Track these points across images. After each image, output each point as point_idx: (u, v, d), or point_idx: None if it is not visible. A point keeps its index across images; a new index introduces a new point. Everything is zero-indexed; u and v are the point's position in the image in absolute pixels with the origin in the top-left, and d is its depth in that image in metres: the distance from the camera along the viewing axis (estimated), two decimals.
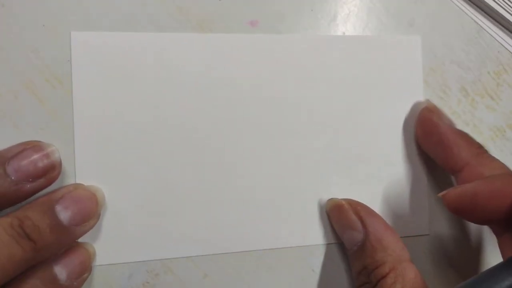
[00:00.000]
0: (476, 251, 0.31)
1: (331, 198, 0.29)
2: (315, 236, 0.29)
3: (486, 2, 0.31)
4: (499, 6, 0.32)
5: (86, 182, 0.26)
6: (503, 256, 0.25)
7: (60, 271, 0.24)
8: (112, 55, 0.26)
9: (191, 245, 0.28)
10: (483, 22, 0.32)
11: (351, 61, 0.29)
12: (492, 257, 0.31)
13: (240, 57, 0.28)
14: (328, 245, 0.29)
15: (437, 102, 0.32)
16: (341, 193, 0.30)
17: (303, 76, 0.29)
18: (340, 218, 0.27)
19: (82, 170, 0.26)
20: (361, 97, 0.30)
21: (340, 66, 0.29)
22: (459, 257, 0.31)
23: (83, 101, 0.26)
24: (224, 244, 0.28)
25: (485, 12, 0.32)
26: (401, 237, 0.26)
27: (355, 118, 0.30)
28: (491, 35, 0.32)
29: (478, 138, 0.30)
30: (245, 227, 0.28)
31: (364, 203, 0.28)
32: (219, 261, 0.28)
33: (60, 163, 0.25)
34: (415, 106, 0.29)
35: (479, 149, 0.27)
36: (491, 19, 0.32)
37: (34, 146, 0.24)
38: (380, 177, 0.30)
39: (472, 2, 0.32)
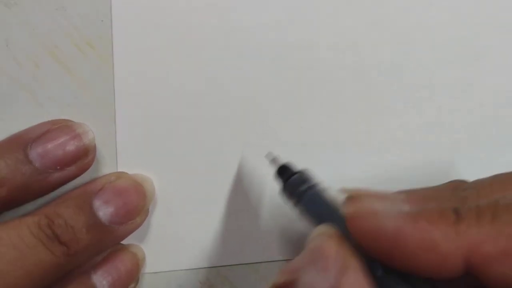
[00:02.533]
0: None
1: None
2: None
3: None
4: None
5: (131, 171, 0.25)
6: None
7: (100, 280, 0.23)
8: (163, 13, 0.25)
9: (255, 250, 0.27)
10: None
11: None
12: None
13: (322, 18, 0.26)
14: None
15: None
16: None
17: (403, 38, 0.27)
18: None
19: (125, 155, 0.25)
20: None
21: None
22: None
23: (126, 70, 0.25)
24: (296, 251, 0.27)
25: None
26: None
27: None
28: None
29: None
30: None
31: None
32: None
33: (94, 147, 0.24)
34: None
35: (457, 215, 0.18)
36: None
37: (62, 125, 0.23)
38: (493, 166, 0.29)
39: None
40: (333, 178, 0.27)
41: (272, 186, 0.27)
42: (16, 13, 0.24)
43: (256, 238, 0.27)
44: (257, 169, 0.27)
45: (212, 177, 0.26)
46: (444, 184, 0.21)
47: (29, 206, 0.24)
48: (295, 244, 0.28)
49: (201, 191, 0.26)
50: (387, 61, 0.27)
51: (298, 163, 0.27)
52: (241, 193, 0.27)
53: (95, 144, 0.24)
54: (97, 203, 0.23)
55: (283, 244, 0.28)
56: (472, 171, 0.29)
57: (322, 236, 0.19)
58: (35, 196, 0.23)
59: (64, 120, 0.24)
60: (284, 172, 0.23)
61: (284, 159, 0.25)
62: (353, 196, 0.19)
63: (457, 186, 0.19)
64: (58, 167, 0.22)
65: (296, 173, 0.23)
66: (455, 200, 0.18)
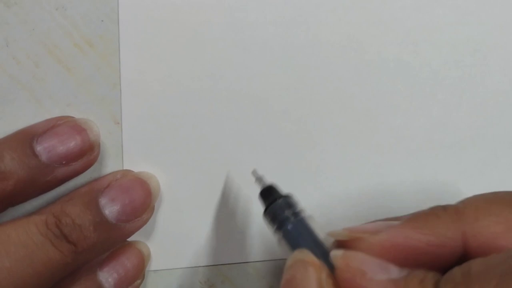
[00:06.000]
0: None
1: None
2: None
3: None
4: None
5: (136, 168, 0.25)
6: None
7: (106, 277, 0.23)
8: (169, 11, 0.25)
9: (256, 250, 0.28)
10: None
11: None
12: None
13: (327, 17, 0.26)
14: None
15: None
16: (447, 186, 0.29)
17: (409, 37, 0.27)
18: None
19: (130, 153, 0.25)
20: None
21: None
22: None
23: (132, 68, 0.25)
24: None
25: None
26: None
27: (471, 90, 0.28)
28: None
29: None
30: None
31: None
32: None
33: (99, 143, 0.24)
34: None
35: None
36: None
37: (68, 121, 0.23)
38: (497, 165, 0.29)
39: None
40: (337, 178, 0.28)
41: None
42: (16, 13, 0.24)
43: (258, 237, 0.27)
44: (260, 166, 0.27)
45: (216, 175, 0.26)
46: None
47: (34, 202, 0.24)
48: None
49: (205, 189, 0.26)
50: (392, 60, 0.27)
51: (303, 162, 0.27)
52: (243, 191, 0.27)
53: (100, 140, 0.24)
54: (103, 201, 0.22)
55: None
56: (476, 170, 0.29)
57: (300, 264, 0.19)
58: (41, 190, 0.23)
59: (70, 116, 0.24)
60: (268, 195, 0.23)
61: (269, 180, 0.24)
62: (344, 245, 0.19)
63: None
64: (63, 162, 0.22)
65: (280, 197, 0.23)
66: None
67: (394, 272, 0.18)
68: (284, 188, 0.25)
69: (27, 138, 0.22)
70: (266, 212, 0.23)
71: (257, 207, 0.27)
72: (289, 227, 0.21)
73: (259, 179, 0.24)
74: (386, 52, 0.27)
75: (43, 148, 0.22)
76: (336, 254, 0.19)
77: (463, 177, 0.29)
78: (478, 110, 0.29)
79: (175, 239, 0.26)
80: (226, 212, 0.27)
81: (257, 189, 0.24)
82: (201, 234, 0.27)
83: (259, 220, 0.26)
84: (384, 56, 0.27)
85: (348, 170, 0.28)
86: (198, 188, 0.26)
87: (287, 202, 0.22)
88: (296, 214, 0.22)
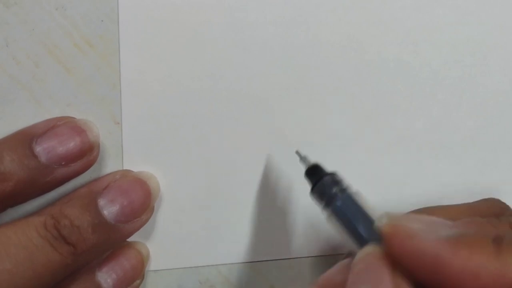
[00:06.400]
0: None
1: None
2: None
3: None
4: None
5: (136, 168, 0.25)
6: None
7: (105, 277, 0.23)
8: (169, 12, 0.25)
9: (256, 249, 0.27)
10: None
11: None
12: None
13: (328, 17, 0.26)
14: None
15: None
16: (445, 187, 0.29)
17: (409, 37, 0.27)
18: None
19: (130, 153, 0.25)
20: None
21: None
22: None
23: (132, 68, 0.25)
24: (296, 250, 0.27)
25: None
26: None
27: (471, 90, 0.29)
28: None
29: None
30: (319, 231, 0.28)
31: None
32: (287, 269, 0.28)
33: (98, 144, 0.24)
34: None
35: (497, 244, 0.17)
36: None
37: (68, 122, 0.23)
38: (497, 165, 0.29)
39: None
40: None
41: (272, 185, 0.27)
42: (16, 13, 0.24)
43: (258, 237, 0.27)
44: (260, 167, 0.27)
45: (216, 175, 0.26)
46: (482, 203, 0.21)
47: (33, 203, 0.24)
48: (294, 243, 0.28)
49: (205, 189, 0.26)
50: (392, 60, 0.28)
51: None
52: (243, 191, 0.27)
53: (99, 141, 0.24)
54: (102, 202, 0.22)
55: (284, 243, 0.28)
56: (476, 170, 0.29)
57: (372, 257, 0.19)
58: (40, 191, 0.23)
59: (69, 117, 0.24)
60: (314, 173, 0.23)
61: (312, 159, 0.24)
62: (391, 216, 0.19)
63: (501, 212, 0.20)
64: (63, 163, 0.22)
65: (326, 175, 0.23)
66: (501, 226, 0.19)
67: (444, 231, 0.18)
68: (283, 188, 0.25)
69: (26, 138, 0.22)
70: (313, 190, 0.23)
71: (257, 208, 0.27)
72: (339, 203, 0.22)
73: (303, 158, 0.24)
74: (386, 52, 0.27)
75: (42, 149, 0.22)
76: (381, 222, 0.19)
77: (463, 177, 0.29)
78: (478, 110, 0.29)
79: (175, 239, 0.26)
80: (226, 212, 0.27)
81: (301, 169, 0.24)
82: (201, 234, 0.27)
83: (259, 221, 0.27)
84: (384, 56, 0.27)
85: (348, 170, 0.27)
86: (198, 188, 0.26)
87: (334, 179, 0.23)
88: (344, 190, 0.22)
